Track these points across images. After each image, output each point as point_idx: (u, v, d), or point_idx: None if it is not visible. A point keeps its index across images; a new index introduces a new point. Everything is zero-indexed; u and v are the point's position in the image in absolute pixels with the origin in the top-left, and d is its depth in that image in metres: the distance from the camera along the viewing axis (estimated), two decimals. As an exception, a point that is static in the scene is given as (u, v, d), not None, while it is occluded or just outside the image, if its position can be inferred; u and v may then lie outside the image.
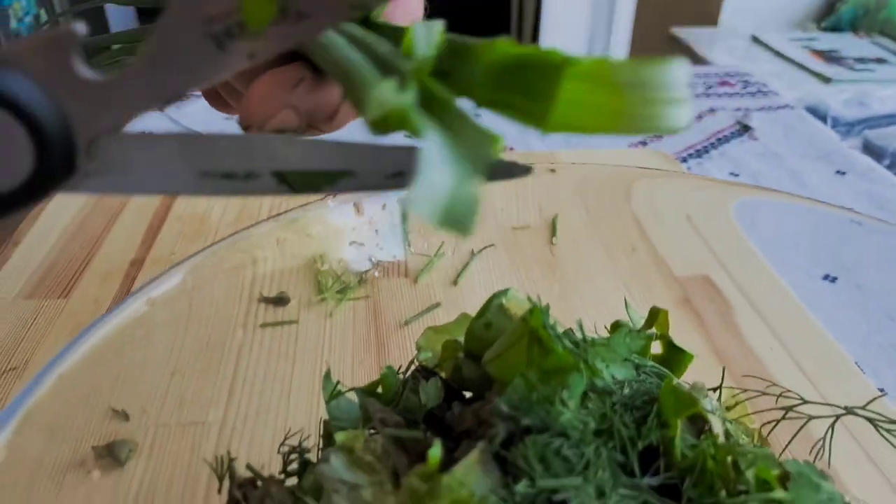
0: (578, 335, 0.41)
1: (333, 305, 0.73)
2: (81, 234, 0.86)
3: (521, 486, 0.33)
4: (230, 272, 0.62)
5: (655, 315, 0.49)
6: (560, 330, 0.40)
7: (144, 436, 0.58)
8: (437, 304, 0.74)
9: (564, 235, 0.84)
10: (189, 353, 0.62)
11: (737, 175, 0.98)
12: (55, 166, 0.24)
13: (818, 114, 1.20)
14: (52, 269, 0.81)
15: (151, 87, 0.25)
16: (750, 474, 0.37)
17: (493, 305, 0.44)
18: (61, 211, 0.89)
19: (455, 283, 0.76)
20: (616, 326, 0.47)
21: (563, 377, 0.37)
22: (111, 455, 0.56)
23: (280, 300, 0.73)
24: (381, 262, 0.65)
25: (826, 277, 0.83)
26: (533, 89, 0.26)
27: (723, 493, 0.36)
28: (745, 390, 0.48)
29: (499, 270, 0.79)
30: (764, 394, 0.47)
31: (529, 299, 0.40)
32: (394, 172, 0.30)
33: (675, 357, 0.48)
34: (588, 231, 0.84)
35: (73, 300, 0.77)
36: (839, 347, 0.70)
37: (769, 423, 0.47)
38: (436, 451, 0.32)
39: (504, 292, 0.46)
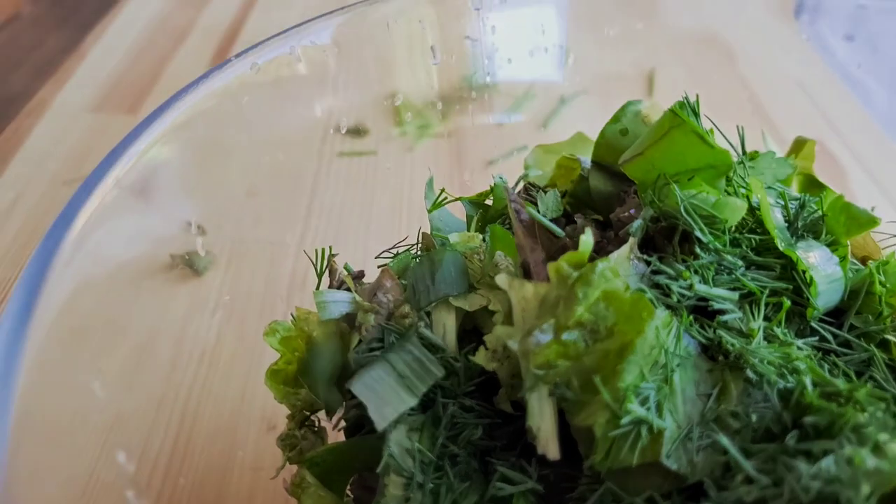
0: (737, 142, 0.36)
1: (413, 140, 0.68)
2: (148, 53, 0.81)
3: (677, 287, 0.29)
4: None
5: (801, 145, 0.43)
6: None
7: (221, 250, 0.55)
8: (524, 147, 0.68)
9: (663, 92, 0.76)
10: (265, 175, 0.59)
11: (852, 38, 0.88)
12: None
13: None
14: (119, 84, 0.77)
15: None
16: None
17: (629, 111, 0.39)
18: (127, 28, 0.85)
19: (544, 126, 0.71)
20: (754, 155, 0.42)
21: (714, 176, 0.33)
22: (189, 264, 0.53)
23: (358, 131, 0.68)
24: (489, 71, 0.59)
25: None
26: None
27: (889, 321, 0.32)
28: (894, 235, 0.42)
29: (591, 118, 0.73)
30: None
31: (686, 100, 0.35)
32: None
33: (815, 195, 0.43)
34: (689, 89, 0.77)
35: (141, 116, 0.73)
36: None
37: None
38: (588, 238, 0.28)
39: (638, 101, 0.41)
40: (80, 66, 0.79)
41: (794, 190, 0.44)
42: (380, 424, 0.30)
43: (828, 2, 0.93)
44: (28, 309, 0.25)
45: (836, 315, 0.33)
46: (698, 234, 0.30)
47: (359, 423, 0.34)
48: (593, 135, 0.53)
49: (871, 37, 0.92)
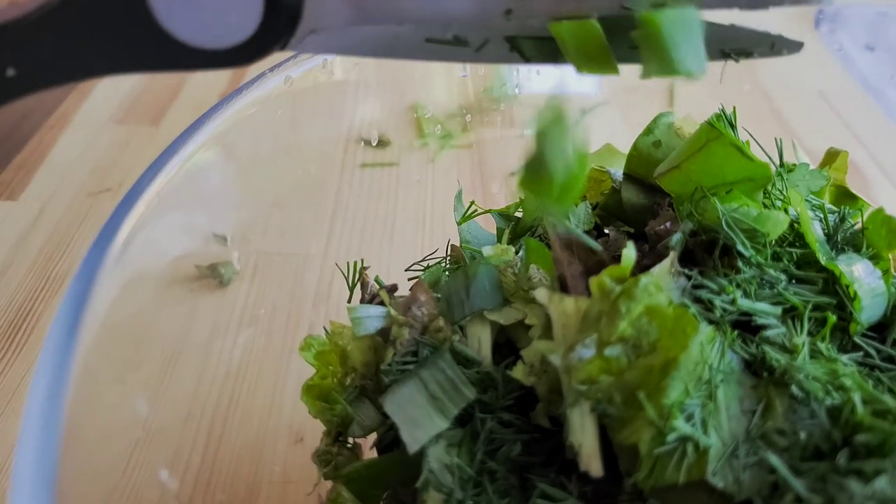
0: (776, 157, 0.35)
1: (435, 151, 0.68)
2: (169, 66, 0.82)
3: (720, 301, 0.29)
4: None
5: (833, 156, 0.43)
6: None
7: (246, 261, 0.55)
8: (547, 159, 0.68)
9: (684, 103, 0.76)
10: (291, 186, 0.59)
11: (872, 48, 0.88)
12: (280, 25, 0.25)
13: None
14: (142, 97, 0.77)
15: None
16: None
17: (662, 123, 0.39)
18: (148, 41, 0.85)
19: (565, 138, 0.70)
20: (791, 168, 0.41)
21: (752, 189, 0.32)
22: (214, 275, 0.53)
23: (380, 142, 0.68)
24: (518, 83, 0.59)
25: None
26: None
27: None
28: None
29: (611, 129, 0.73)
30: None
31: (722, 112, 0.35)
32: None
33: (850, 207, 0.43)
34: (710, 100, 0.77)
35: (164, 128, 0.74)
36: None
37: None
38: (631, 253, 0.28)
39: (669, 113, 0.41)
40: (101, 79, 0.80)
41: (825, 202, 0.43)
42: (412, 447, 0.30)
43: (847, 12, 0.93)
44: (75, 323, 0.25)
45: (878, 330, 0.32)
46: (740, 248, 0.30)
47: (395, 439, 0.34)
48: (614, 143, 0.52)
49: (890, 46, 0.92)
